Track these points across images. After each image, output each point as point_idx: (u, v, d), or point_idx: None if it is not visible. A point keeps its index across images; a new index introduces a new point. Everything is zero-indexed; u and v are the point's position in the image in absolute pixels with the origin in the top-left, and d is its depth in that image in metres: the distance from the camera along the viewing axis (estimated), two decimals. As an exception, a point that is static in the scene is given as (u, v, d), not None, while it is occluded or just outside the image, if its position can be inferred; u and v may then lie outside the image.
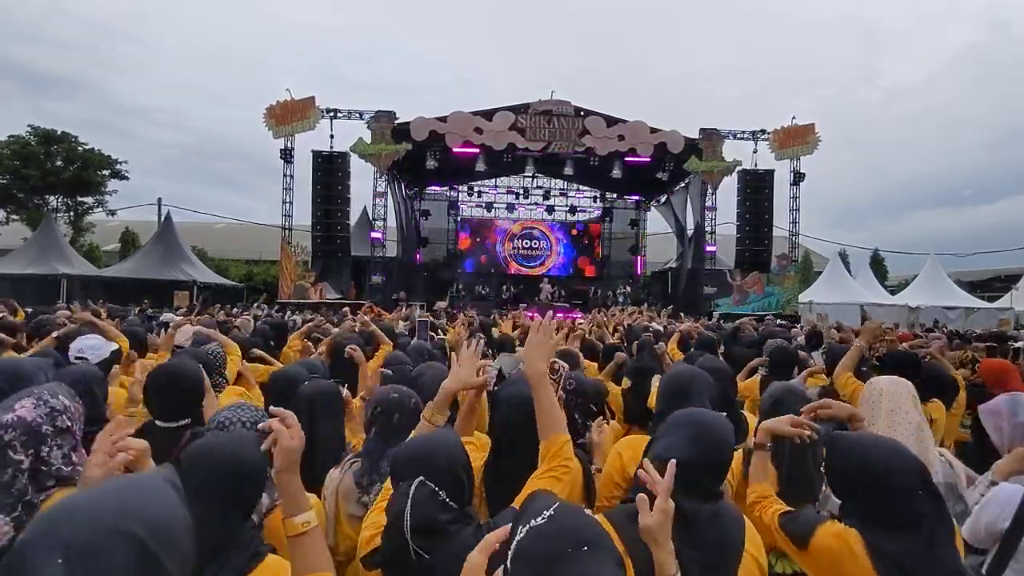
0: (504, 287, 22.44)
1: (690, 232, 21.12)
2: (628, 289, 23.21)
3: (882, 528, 1.36)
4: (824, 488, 1.94)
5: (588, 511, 1.04)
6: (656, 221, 25.58)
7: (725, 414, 1.68)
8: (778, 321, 12.38)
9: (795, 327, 9.64)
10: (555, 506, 0.97)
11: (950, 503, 1.67)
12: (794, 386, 2.17)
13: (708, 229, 19.89)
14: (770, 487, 1.76)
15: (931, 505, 1.34)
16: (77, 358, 2.86)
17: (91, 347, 2.96)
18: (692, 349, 4.37)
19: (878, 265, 30.62)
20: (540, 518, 0.94)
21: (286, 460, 1.22)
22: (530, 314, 13.03)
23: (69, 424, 1.40)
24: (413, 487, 1.26)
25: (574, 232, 25.84)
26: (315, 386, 2.21)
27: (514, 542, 0.95)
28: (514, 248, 25.50)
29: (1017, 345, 7.79)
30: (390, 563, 1.24)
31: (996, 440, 1.93)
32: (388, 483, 1.50)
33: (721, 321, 12.12)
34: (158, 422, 2.06)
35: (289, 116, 17.93)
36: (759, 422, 2.08)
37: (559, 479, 1.47)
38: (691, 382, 2.01)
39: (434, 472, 1.30)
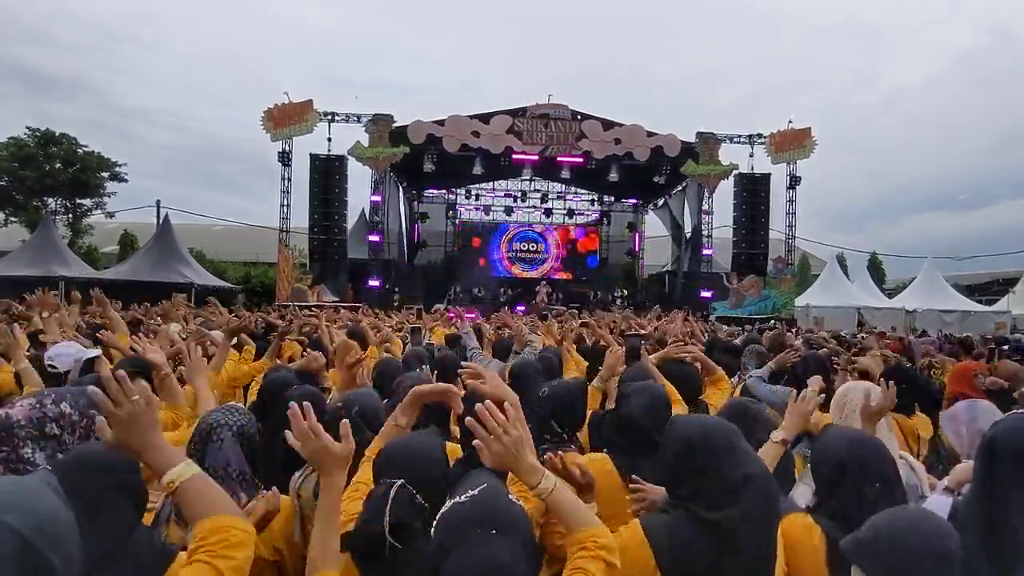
0: (502, 290, 22.47)
1: (687, 235, 21.16)
2: (626, 292, 23.24)
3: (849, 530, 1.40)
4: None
5: (513, 497, 1.07)
6: (654, 224, 25.68)
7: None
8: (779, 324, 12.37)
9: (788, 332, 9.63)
10: (481, 487, 1.03)
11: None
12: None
13: (705, 232, 19.95)
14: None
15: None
16: (49, 366, 2.77)
17: (59, 355, 2.82)
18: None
19: (876, 268, 30.62)
20: (465, 495, 1.02)
21: (123, 431, 1.16)
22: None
23: (58, 432, 1.45)
24: (394, 489, 1.30)
25: (572, 235, 25.88)
26: (302, 391, 2.22)
27: (440, 513, 1.02)
28: (512, 251, 25.54)
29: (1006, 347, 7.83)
30: (363, 549, 1.29)
31: (956, 446, 1.96)
32: (359, 475, 1.57)
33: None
34: None
35: (287, 119, 17.97)
36: None
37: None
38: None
39: (413, 475, 1.35)
